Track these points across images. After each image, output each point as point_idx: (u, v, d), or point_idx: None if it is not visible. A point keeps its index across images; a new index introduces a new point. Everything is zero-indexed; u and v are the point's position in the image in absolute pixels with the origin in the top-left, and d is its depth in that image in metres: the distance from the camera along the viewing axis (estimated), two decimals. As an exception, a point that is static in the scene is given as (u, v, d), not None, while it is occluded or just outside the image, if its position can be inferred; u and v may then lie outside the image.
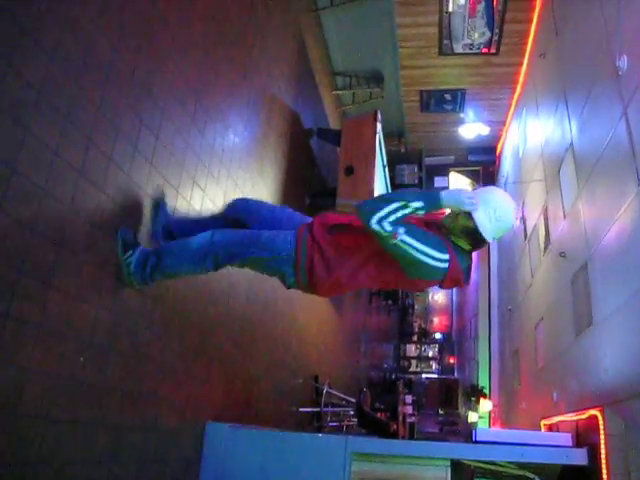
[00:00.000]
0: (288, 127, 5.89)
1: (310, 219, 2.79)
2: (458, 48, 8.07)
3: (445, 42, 7.98)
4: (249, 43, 4.65)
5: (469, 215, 2.42)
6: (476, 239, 2.49)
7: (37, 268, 2.18)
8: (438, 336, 23.79)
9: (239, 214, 2.92)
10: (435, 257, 2.38)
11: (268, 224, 2.76)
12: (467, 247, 2.54)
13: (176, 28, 3.33)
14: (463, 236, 2.49)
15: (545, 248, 6.70)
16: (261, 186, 4.95)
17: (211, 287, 3.76)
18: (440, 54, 8.23)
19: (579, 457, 3.49)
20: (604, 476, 3.31)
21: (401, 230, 2.31)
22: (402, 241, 2.32)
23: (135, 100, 2.84)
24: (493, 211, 2.42)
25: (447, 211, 2.52)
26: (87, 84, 2.44)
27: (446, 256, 2.41)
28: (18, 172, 2.05)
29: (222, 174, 4.04)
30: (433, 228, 2.53)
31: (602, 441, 3.39)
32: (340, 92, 8.79)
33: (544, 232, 6.75)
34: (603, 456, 3.34)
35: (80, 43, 2.39)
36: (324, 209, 7.14)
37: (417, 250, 2.35)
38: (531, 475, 3.73)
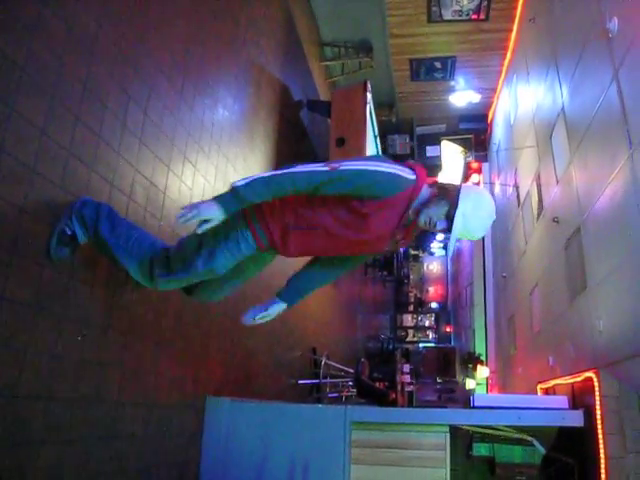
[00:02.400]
0: (278, 100, 5.83)
1: None
2: (447, 15, 7.97)
3: (434, 9, 7.88)
4: (236, 15, 4.58)
5: (448, 210, 2.24)
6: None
7: (30, 248, 2.17)
8: (434, 305, 23.94)
9: None
10: (383, 164, 2.22)
11: None
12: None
13: (161, 1, 3.27)
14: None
15: (538, 214, 6.71)
16: (252, 160, 4.92)
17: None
18: (429, 21, 8.12)
19: (575, 419, 3.54)
20: (599, 436, 3.36)
21: (336, 164, 2.21)
22: (343, 165, 2.20)
23: (122, 76, 2.81)
24: (471, 220, 2.23)
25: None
26: (71, 61, 2.40)
27: (405, 169, 2.26)
28: (6, 152, 2.03)
29: (213, 149, 4.01)
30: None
31: (597, 402, 3.43)
32: (329, 63, 8.69)
33: (537, 198, 6.76)
34: (598, 417, 3.39)
35: (62, 19, 2.35)
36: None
37: (363, 162, 2.24)
38: (529, 438, 3.79)
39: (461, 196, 2.22)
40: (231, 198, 2.17)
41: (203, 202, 2.18)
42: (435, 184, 2.31)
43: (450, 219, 2.22)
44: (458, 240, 2.43)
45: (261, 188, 2.18)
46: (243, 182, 2.17)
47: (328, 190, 2.22)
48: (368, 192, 2.21)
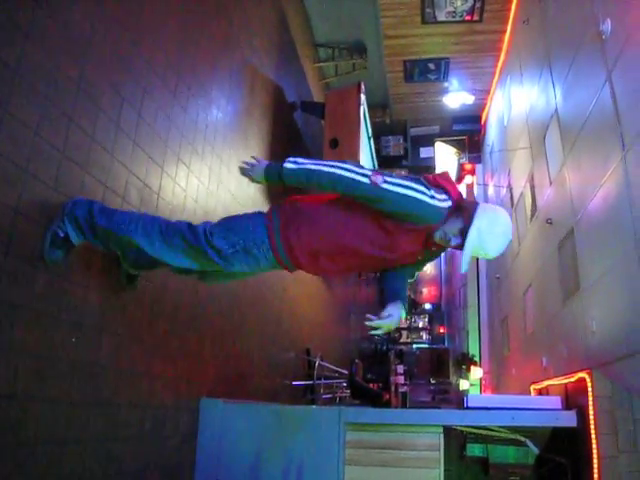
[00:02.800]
0: (271, 101, 5.83)
1: None
2: (441, 16, 7.99)
3: (428, 10, 7.89)
4: (229, 16, 4.58)
5: (463, 226, 2.22)
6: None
7: (24, 250, 2.16)
8: (428, 307, 23.94)
9: None
10: (426, 193, 2.20)
11: None
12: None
13: (155, 2, 3.27)
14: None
15: (532, 215, 6.73)
16: (247, 162, 4.91)
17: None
18: (423, 23, 8.14)
19: (568, 419, 3.56)
20: (592, 436, 3.37)
21: (379, 178, 2.18)
22: (386, 182, 2.17)
23: (115, 77, 2.80)
24: (483, 250, 2.25)
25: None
26: (65, 62, 2.40)
27: (441, 195, 2.23)
28: (-1, 153, 2.02)
29: (207, 150, 4.01)
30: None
31: (590, 402, 3.45)
32: (323, 64, 8.70)
33: (530, 200, 6.78)
34: (591, 417, 3.40)
35: (55, 20, 2.34)
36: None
37: (406, 187, 2.19)
38: (522, 438, 3.80)
39: (477, 212, 2.21)
40: (275, 172, 2.35)
41: (260, 162, 2.42)
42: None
43: (464, 235, 2.21)
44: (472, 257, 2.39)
45: (303, 178, 2.29)
46: (293, 166, 2.31)
47: (364, 201, 2.24)
48: (405, 218, 2.22)
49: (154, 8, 3.26)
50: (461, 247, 2.23)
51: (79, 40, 2.51)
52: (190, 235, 2.35)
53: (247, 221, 2.44)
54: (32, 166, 2.19)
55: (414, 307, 23.67)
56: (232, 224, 2.42)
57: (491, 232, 2.21)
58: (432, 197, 2.20)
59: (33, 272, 2.21)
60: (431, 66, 9.24)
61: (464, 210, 2.24)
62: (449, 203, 2.24)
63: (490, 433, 3.79)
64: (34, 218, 2.22)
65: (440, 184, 2.27)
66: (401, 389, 8.99)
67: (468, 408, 3.74)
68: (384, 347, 15.78)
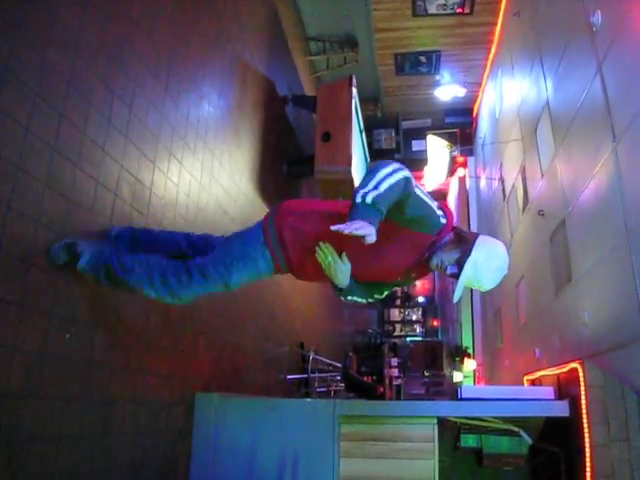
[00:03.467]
0: (263, 95, 5.82)
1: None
2: (432, 9, 7.98)
3: (419, 3, 7.87)
4: (220, 10, 4.56)
5: (460, 256, 2.25)
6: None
7: (16, 246, 2.16)
8: (421, 300, 24.00)
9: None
10: (434, 204, 2.29)
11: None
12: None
13: (144, -4, 3.25)
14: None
15: (524, 207, 6.76)
16: (238, 156, 4.91)
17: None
18: (414, 15, 8.12)
19: (561, 409, 3.59)
20: (585, 425, 3.40)
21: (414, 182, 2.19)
22: (417, 187, 2.21)
23: (106, 73, 2.79)
24: (478, 282, 2.28)
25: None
26: (55, 57, 2.38)
27: (440, 212, 2.31)
28: (-10, 150, 2.01)
29: (198, 145, 4.00)
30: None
31: (582, 392, 3.48)
32: (314, 58, 8.67)
33: (522, 192, 6.80)
34: (583, 407, 3.43)
35: (44, 15, 2.33)
36: (302, 177, 7.16)
37: (423, 194, 2.25)
38: (515, 428, 3.83)
39: (476, 245, 2.23)
40: (373, 213, 2.02)
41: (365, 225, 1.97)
42: (454, 229, 2.33)
43: (461, 266, 2.22)
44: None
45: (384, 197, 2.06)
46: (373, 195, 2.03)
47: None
48: (411, 221, 2.24)
49: (144, 3, 3.24)
50: (457, 276, 2.25)
51: (69, 35, 2.49)
52: (185, 276, 2.40)
53: (240, 236, 2.48)
54: (23, 162, 2.18)
55: (407, 300, 23.74)
56: (224, 251, 2.44)
57: (487, 267, 2.24)
58: (438, 207, 2.29)
59: (25, 268, 2.20)
60: (422, 59, 9.22)
61: (463, 241, 2.27)
62: (445, 221, 2.30)
63: (484, 424, 3.82)
64: (26, 214, 2.21)
65: (440, 206, 2.34)
66: (395, 382, 9.03)
67: (462, 399, 3.77)
68: (378, 340, 15.84)
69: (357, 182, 6.15)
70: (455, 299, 2.35)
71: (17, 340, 2.14)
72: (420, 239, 2.28)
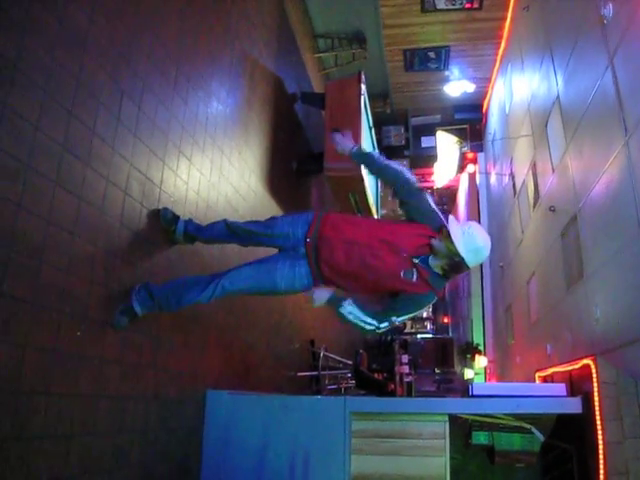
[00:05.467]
0: (271, 93, 5.81)
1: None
2: (440, 4, 7.93)
3: (427, -2, 7.85)
4: (228, 8, 4.56)
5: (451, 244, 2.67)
6: (451, 266, 2.75)
7: (27, 244, 2.17)
8: (431, 296, 23.92)
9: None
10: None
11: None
12: (440, 272, 2.79)
13: (152, -6, 3.25)
14: (442, 260, 2.75)
15: (534, 203, 6.71)
16: (247, 154, 4.91)
17: (202, 255, 3.76)
18: (422, 11, 8.07)
19: (574, 406, 3.56)
20: (598, 422, 3.38)
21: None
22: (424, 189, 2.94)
23: (115, 71, 2.79)
24: (474, 247, 2.69)
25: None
26: (64, 56, 2.39)
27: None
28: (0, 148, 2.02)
29: (207, 143, 4.00)
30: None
31: (595, 389, 3.45)
32: (322, 55, 8.65)
33: (533, 187, 6.76)
34: (596, 403, 3.41)
35: (53, 13, 2.33)
36: (312, 174, 7.15)
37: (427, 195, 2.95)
38: (527, 425, 3.80)
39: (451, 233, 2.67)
40: (360, 154, 3.04)
41: (347, 142, 3.11)
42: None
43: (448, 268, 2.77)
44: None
45: (382, 167, 2.96)
46: (375, 156, 3.02)
47: (406, 194, 2.87)
48: (418, 213, 2.86)
49: (152, 1, 3.24)
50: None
51: (77, 33, 2.50)
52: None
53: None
54: (33, 160, 2.19)
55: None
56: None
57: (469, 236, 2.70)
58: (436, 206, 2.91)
59: (36, 265, 2.21)
60: (431, 55, 9.18)
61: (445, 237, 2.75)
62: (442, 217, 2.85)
63: (495, 421, 3.80)
64: (36, 212, 2.22)
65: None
66: (406, 379, 9.00)
67: (473, 396, 3.75)
68: (388, 337, 15.81)
69: (366, 180, 6.15)
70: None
71: (28, 337, 2.15)
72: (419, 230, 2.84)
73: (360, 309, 2.78)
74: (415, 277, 2.74)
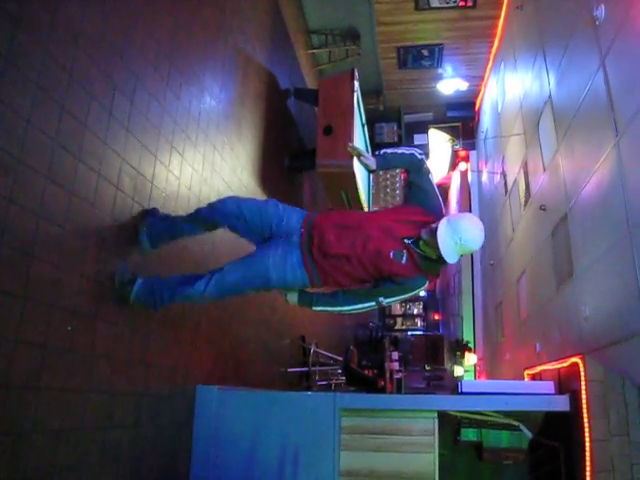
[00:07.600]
0: (264, 88, 5.81)
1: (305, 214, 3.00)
2: (434, 2, 7.93)
3: (421, -4, 7.85)
4: (222, 3, 4.54)
5: (435, 239, 2.65)
6: (439, 256, 2.72)
7: (18, 239, 2.16)
8: (422, 294, 24.02)
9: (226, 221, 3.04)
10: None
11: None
12: (434, 256, 2.76)
13: (146, -12, 3.24)
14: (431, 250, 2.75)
15: (525, 202, 6.75)
16: (239, 149, 4.90)
17: (193, 250, 3.76)
18: (416, 9, 8.08)
19: (561, 403, 3.60)
20: (585, 420, 3.41)
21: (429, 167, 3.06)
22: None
23: (107, 65, 2.78)
24: (459, 238, 2.65)
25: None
26: (56, 49, 2.38)
27: None
28: (-9, 142, 2.01)
29: (200, 138, 4.00)
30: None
31: (583, 387, 3.48)
32: (316, 51, 8.64)
33: (524, 186, 6.79)
34: (584, 401, 3.44)
35: (45, 7, 2.32)
36: (304, 170, 7.15)
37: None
38: (516, 423, 3.84)
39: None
40: (383, 161, 3.05)
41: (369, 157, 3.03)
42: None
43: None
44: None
45: (397, 157, 3.05)
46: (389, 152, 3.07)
47: (415, 175, 3.00)
48: (421, 196, 2.96)
49: (146, -6, 3.23)
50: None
51: (70, 28, 2.48)
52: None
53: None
54: (25, 155, 2.18)
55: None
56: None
57: (462, 243, 2.68)
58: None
59: (27, 260, 2.21)
60: (425, 52, 9.19)
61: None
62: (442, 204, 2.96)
63: (484, 418, 3.83)
64: (27, 207, 2.21)
65: None
66: (396, 375, 9.03)
67: (462, 393, 3.78)
68: (379, 334, 15.84)
69: (358, 176, 6.15)
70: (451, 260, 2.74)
71: (18, 332, 2.15)
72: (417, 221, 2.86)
73: (331, 304, 2.91)
74: (405, 259, 2.75)
